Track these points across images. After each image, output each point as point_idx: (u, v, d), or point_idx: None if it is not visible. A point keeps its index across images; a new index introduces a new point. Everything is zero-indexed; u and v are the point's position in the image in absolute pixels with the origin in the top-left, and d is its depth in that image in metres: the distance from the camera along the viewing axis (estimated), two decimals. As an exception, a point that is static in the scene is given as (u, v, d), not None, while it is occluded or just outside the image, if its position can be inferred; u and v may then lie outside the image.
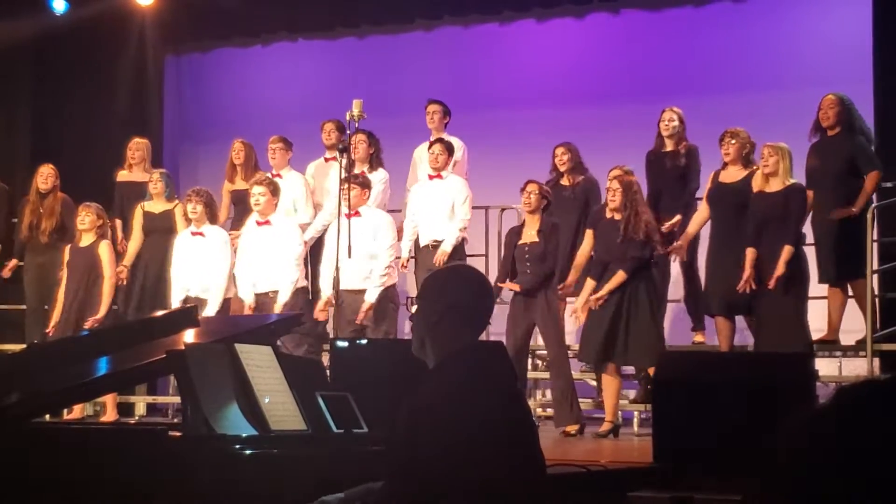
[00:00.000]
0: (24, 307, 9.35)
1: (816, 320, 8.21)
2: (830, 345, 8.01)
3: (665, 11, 10.34)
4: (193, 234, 8.39)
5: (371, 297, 7.84)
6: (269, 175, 8.57)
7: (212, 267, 8.27)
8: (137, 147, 9.48)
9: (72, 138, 10.82)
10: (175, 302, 8.28)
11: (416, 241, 8.63)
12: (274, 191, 8.14)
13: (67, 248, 8.65)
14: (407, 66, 10.91)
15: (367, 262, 7.86)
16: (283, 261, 8.01)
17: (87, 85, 11.05)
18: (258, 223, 8.15)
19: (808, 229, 7.72)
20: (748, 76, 9.81)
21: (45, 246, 9.08)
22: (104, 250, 8.55)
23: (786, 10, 9.94)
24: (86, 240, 8.57)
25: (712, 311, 7.80)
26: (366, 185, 8.11)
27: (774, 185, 7.30)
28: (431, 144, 8.61)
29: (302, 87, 11.29)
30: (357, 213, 7.87)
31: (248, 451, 3.32)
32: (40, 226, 9.10)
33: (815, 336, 8.09)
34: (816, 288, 7.90)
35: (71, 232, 8.88)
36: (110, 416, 8.46)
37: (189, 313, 4.34)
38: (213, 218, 8.45)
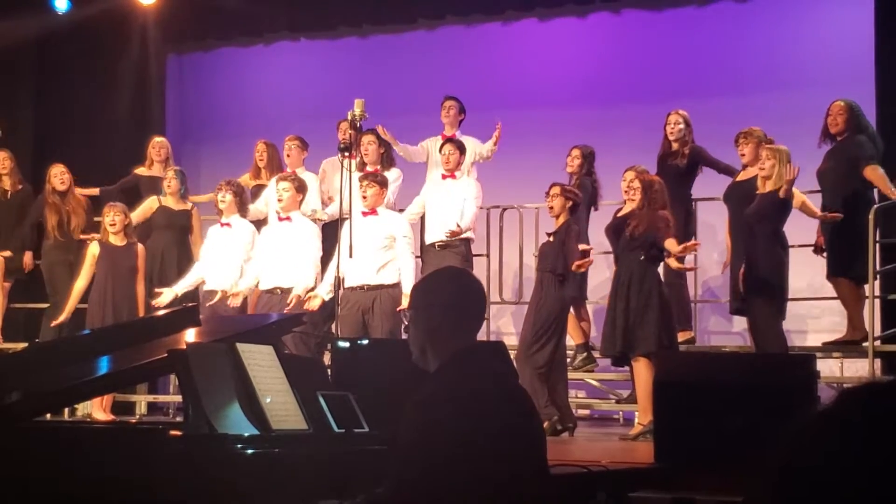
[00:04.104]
0: (44, 305, 9.39)
1: (827, 321, 8.28)
2: (833, 346, 8.05)
3: (666, 11, 10.34)
4: (222, 224, 8.45)
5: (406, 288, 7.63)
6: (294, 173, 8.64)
7: (233, 259, 8.32)
8: (162, 146, 9.66)
9: (74, 137, 10.83)
10: (186, 283, 8.35)
11: (422, 241, 8.63)
12: (299, 188, 8.17)
13: (94, 246, 8.68)
14: (409, 65, 10.91)
15: (381, 254, 7.82)
16: (298, 261, 8.00)
17: (89, 84, 11.07)
18: (279, 218, 8.17)
19: (799, 231, 7.77)
20: (750, 77, 9.81)
21: (78, 244, 9.14)
22: (142, 251, 8.71)
23: (788, 10, 9.94)
24: (116, 239, 8.62)
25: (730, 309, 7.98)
26: (384, 183, 8.09)
27: (768, 187, 7.31)
28: (443, 145, 8.60)
29: (304, 87, 11.30)
30: (374, 212, 7.87)
31: (249, 451, 3.31)
32: (70, 224, 9.20)
33: (829, 336, 8.16)
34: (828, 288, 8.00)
35: (95, 230, 8.98)
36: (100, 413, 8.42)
37: (191, 313, 4.34)
38: (242, 208, 8.52)
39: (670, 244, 7.14)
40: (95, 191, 9.49)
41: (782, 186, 7.07)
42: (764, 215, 7.22)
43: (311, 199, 8.73)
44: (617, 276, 7.36)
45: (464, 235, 8.48)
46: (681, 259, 7.61)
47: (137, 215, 9.02)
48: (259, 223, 8.71)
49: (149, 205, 9.10)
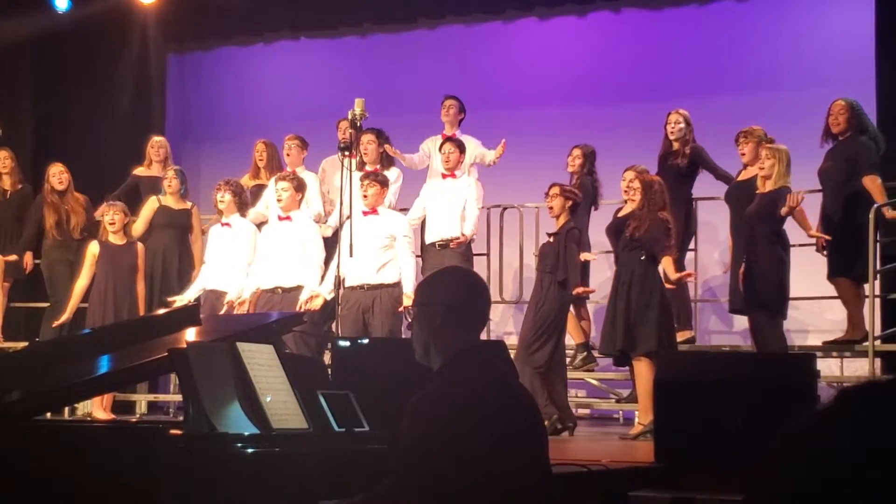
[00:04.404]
0: (44, 305, 9.39)
1: (828, 321, 8.27)
2: (834, 345, 8.05)
3: (666, 10, 10.34)
4: (223, 224, 8.45)
5: (408, 288, 7.62)
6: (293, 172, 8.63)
7: (234, 259, 8.30)
8: (161, 145, 9.67)
9: (74, 137, 10.82)
10: (194, 290, 8.33)
11: (423, 240, 8.62)
12: (298, 187, 8.16)
13: (94, 245, 8.68)
14: (409, 64, 10.91)
15: (381, 254, 7.81)
16: (300, 260, 7.98)
17: (89, 83, 11.07)
18: (279, 218, 8.15)
19: (800, 231, 7.76)
20: (750, 76, 9.81)
21: (77, 243, 9.14)
22: (141, 250, 8.72)
23: (788, 8, 9.94)
24: (115, 238, 8.62)
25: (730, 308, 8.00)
26: (385, 183, 8.08)
27: (768, 187, 7.31)
28: (442, 144, 8.61)
29: (304, 86, 11.30)
30: (374, 212, 7.86)
31: (249, 450, 3.31)
32: (69, 223, 9.21)
33: (829, 336, 8.15)
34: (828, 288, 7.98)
35: (95, 229, 8.98)
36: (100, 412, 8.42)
37: (191, 312, 4.34)
38: (242, 208, 8.52)
39: (668, 265, 7.15)
40: (104, 206, 9.43)
41: (784, 207, 7.07)
42: (764, 215, 7.22)
43: (311, 198, 8.72)
44: (617, 276, 7.36)
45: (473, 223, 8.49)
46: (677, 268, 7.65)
47: (141, 223, 9.00)
48: (261, 225, 8.71)
49: (150, 207, 9.08)
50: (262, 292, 8.12)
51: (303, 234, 8.07)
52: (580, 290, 7.59)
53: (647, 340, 7.02)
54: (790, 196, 7.07)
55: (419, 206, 8.64)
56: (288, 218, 8.11)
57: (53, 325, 8.76)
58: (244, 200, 8.59)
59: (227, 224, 8.44)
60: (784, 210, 7.07)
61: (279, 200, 8.12)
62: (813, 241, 8.06)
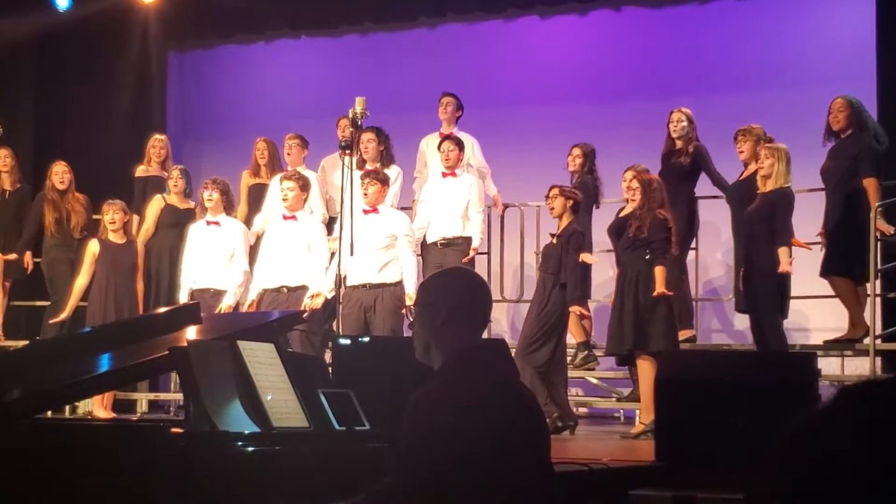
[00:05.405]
0: (45, 303, 9.39)
1: (828, 320, 8.25)
2: (834, 344, 8.05)
3: (667, 9, 10.34)
4: (209, 223, 8.43)
5: (410, 289, 7.68)
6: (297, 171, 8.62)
7: (228, 258, 8.29)
8: (163, 145, 9.67)
9: (75, 136, 10.82)
10: (184, 290, 8.33)
11: (424, 239, 8.62)
12: (304, 186, 8.15)
13: (94, 244, 8.69)
14: (410, 63, 10.91)
15: (382, 253, 7.81)
16: (307, 262, 7.96)
17: (90, 82, 11.07)
18: (284, 217, 8.14)
19: (800, 230, 7.75)
20: (751, 75, 9.81)
21: (78, 242, 9.16)
22: (141, 249, 8.75)
23: (789, 7, 9.94)
24: (115, 237, 8.63)
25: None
26: (385, 181, 8.08)
27: (768, 187, 7.30)
28: (441, 142, 8.60)
29: (305, 85, 11.30)
30: (375, 210, 7.86)
31: (250, 448, 3.31)
32: (69, 222, 9.21)
33: (830, 335, 8.14)
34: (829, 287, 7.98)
35: (95, 228, 8.99)
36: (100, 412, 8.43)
37: (192, 310, 4.34)
38: (229, 207, 8.51)
39: (658, 275, 7.15)
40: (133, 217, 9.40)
41: (781, 267, 7.07)
42: (764, 215, 7.22)
43: (314, 203, 8.70)
44: (623, 275, 7.36)
45: (465, 234, 8.49)
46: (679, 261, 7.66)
47: (152, 225, 9.00)
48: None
49: (156, 206, 9.08)
50: (266, 291, 8.12)
51: (308, 234, 8.06)
52: (577, 310, 7.63)
53: (657, 339, 7.03)
54: (784, 263, 7.07)
55: (423, 213, 8.62)
56: (293, 217, 8.10)
57: (51, 322, 8.76)
58: (231, 199, 8.61)
59: (216, 223, 8.43)
60: (780, 269, 7.08)
61: (285, 200, 8.10)
62: (813, 239, 8.06)
